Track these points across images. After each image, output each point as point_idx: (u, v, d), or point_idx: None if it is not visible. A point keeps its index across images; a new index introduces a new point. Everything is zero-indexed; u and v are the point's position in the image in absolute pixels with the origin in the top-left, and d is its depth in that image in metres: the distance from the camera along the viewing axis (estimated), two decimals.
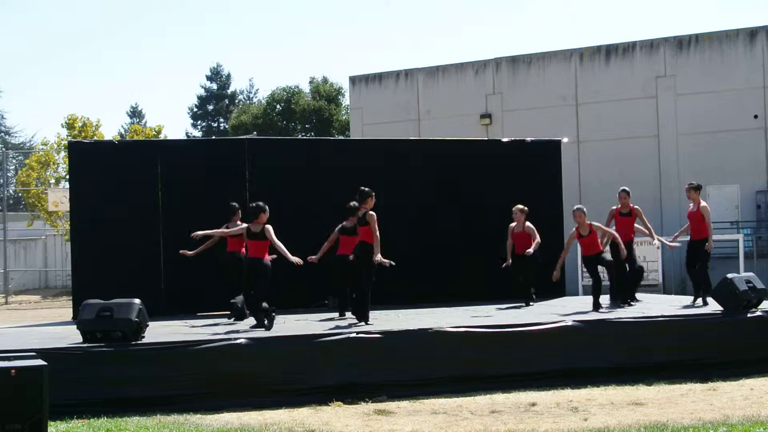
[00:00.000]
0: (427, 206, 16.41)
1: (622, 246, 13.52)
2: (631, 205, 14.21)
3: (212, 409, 9.34)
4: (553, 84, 29.80)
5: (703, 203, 13.43)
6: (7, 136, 68.32)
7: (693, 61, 28.25)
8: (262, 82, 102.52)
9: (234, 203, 13.60)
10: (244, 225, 12.26)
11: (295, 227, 15.60)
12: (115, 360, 9.58)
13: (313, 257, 12.92)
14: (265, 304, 11.18)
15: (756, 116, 27.36)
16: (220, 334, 10.72)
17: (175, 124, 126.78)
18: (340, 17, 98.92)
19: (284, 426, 8.54)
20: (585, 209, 13.82)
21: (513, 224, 14.43)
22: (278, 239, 11.59)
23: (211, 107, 66.03)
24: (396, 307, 13.96)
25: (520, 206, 14.50)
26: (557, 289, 15.68)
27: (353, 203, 12.43)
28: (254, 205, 11.93)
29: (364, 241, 11.61)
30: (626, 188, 14.44)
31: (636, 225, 14.28)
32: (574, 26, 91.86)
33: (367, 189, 11.67)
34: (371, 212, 11.54)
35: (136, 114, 69.40)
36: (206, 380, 9.72)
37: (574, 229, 13.66)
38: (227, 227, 12.91)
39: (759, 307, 12.05)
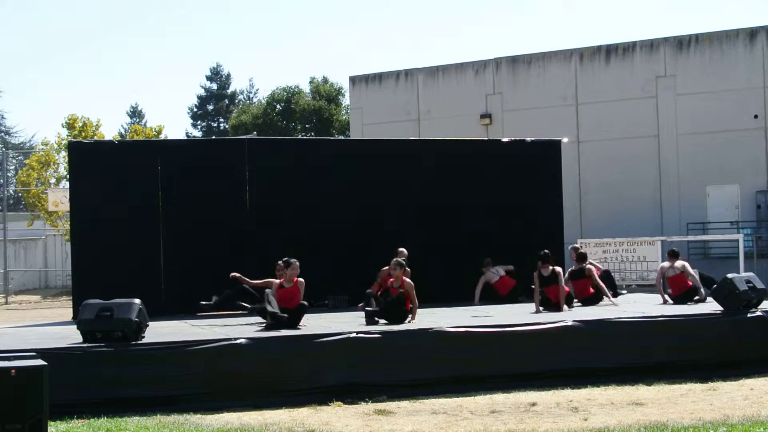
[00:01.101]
0: (427, 206, 16.41)
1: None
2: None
3: (212, 409, 9.35)
4: (553, 84, 29.80)
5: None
6: (7, 136, 68.32)
7: (693, 61, 28.24)
8: (262, 82, 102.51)
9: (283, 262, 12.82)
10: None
11: (295, 227, 15.63)
12: (115, 360, 9.58)
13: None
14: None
15: (756, 116, 27.35)
16: (220, 334, 10.72)
17: (175, 124, 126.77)
18: (340, 17, 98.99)
19: (284, 426, 8.54)
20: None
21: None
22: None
23: (211, 107, 66.03)
24: None
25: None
26: None
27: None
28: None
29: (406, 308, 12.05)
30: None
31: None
32: (574, 26, 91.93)
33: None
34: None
35: (136, 114, 69.39)
36: (206, 380, 9.72)
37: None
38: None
39: (759, 307, 12.05)
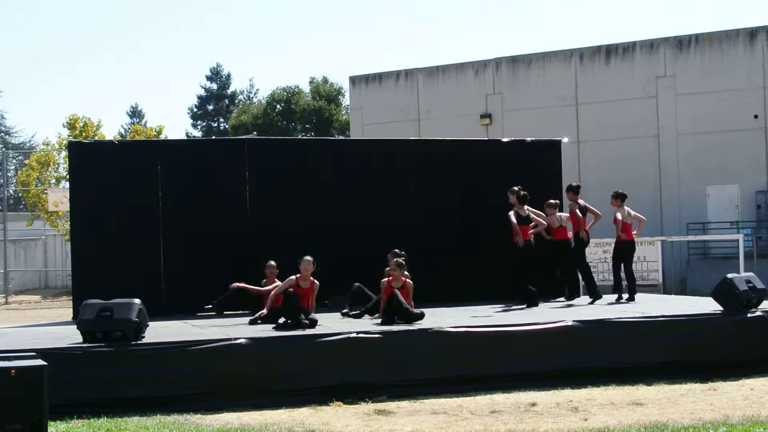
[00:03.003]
0: (426, 206, 16.39)
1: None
2: None
3: (212, 409, 9.34)
4: (553, 84, 29.82)
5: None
6: (7, 136, 68.36)
7: (693, 61, 28.26)
8: (262, 82, 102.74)
9: (272, 262, 13.65)
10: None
11: (295, 227, 15.62)
12: (115, 360, 9.58)
13: None
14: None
15: (756, 116, 27.38)
16: (220, 334, 10.71)
17: (175, 124, 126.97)
18: (340, 17, 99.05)
19: (284, 426, 8.54)
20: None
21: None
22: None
23: (211, 107, 66.08)
24: None
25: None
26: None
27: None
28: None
29: None
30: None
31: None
32: (574, 26, 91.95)
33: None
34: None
35: (136, 114, 69.46)
36: (206, 380, 9.71)
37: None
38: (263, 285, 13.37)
39: (759, 307, 12.04)
